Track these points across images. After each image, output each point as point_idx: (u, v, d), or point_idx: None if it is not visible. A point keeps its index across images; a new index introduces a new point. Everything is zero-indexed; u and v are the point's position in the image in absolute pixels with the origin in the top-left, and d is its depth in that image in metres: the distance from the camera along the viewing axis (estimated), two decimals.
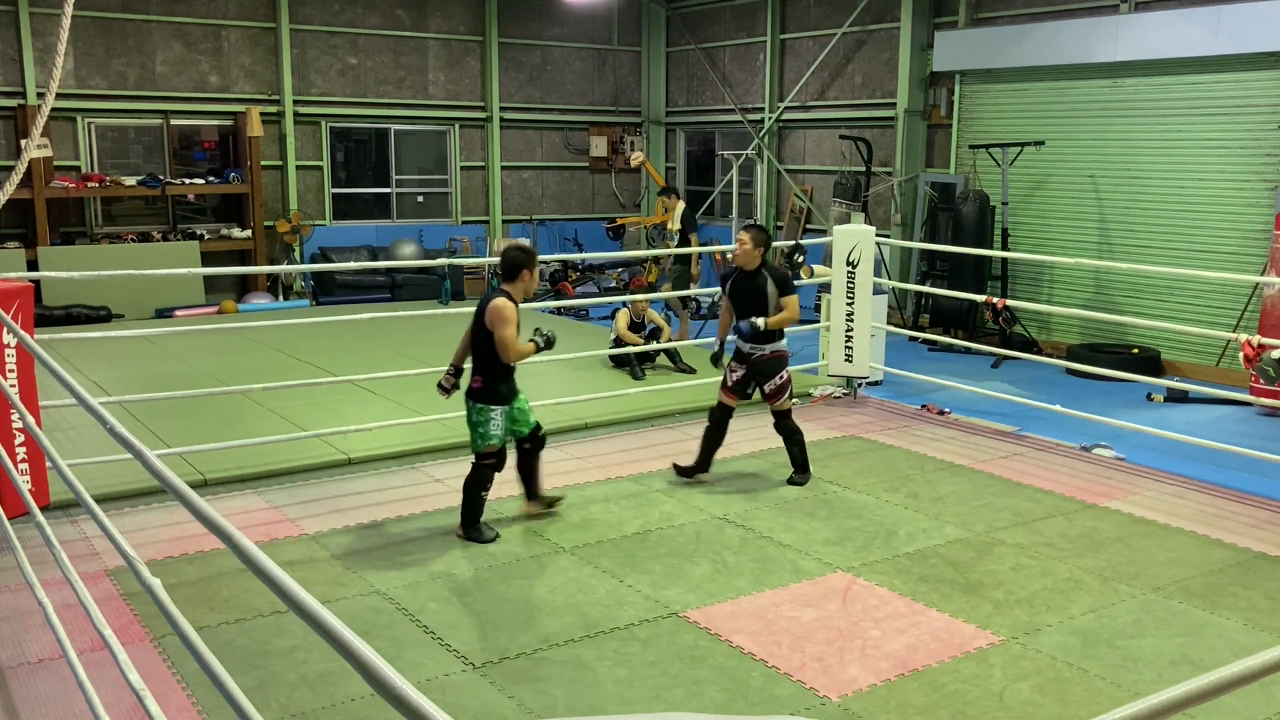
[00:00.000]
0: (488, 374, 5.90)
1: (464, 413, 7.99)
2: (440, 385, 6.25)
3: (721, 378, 7.13)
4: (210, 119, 14.54)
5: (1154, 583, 5.54)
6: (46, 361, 3.89)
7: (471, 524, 6.03)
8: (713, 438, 7.11)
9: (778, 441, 8.04)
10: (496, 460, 6.05)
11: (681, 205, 11.93)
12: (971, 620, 5.07)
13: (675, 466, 7.21)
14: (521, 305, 9.78)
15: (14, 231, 13.20)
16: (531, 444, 6.27)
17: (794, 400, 7.23)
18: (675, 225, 11.83)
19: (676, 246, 11.70)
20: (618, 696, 4.37)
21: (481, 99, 16.31)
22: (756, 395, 7.21)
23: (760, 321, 6.78)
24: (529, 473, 6.37)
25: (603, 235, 15.98)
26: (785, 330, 7.02)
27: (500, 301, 5.82)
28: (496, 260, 9.25)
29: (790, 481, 7.12)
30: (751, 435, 8.23)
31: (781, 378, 7.00)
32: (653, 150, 17.49)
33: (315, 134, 15.13)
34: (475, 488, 5.99)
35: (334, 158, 15.48)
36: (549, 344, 6.01)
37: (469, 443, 6.07)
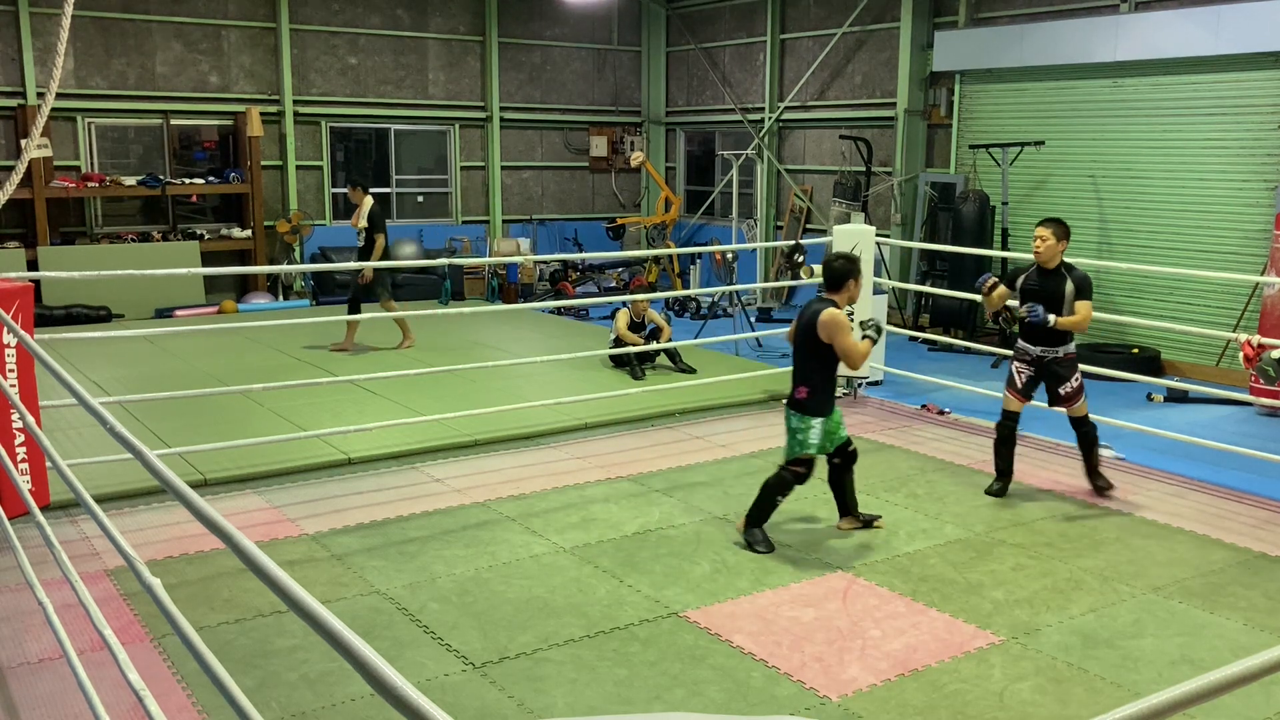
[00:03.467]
0: (814, 385, 5.83)
1: (466, 412, 8.00)
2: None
3: (1006, 382, 6.84)
4: (210, 119, 14.53)
5: (1154, 583, 5.54)
6: (46, 361, 3.89)
7: (757, 525, 5.96)
8: (1010, 448, 6.83)
9: (777, 441, 8.05)
10: (806, 469, 5.95)
11: (369, 201, 10.80)
12: (971, 620, 5.08)
13: (988, 493, 6.85)
14: (522, 306, 9.85)
15: (14, 231, 13.20)
16: (841, 459, 6.16)
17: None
18: (362, 223, 10.77)
19: (362, 245, 10.81)
20: (618, 696, 4.37)
21: (481, 99, 16.31)
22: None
23: (1052, 318, 6.41)
24: (841, 487, 6.25)
25: (603, 235, 16.00)
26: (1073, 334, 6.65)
27: (832, 311, 5.76)
28: (498, 260, 9.26)
29: (1099, 489, 6.80)
30: (752, 435, 8.24)
31: (1076, 380, 6.65)
32: (653, 150, 17.49)
33: (315, 134, 15.12)
34: (775, 491, 5.92)
35: (334, 158, 15.47)
36: (879, 332, 6.11)
37: (786, 450, 5.97)
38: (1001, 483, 6.90)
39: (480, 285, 15.35)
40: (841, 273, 5.87)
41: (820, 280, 10.04)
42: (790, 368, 6.03)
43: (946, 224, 12.32)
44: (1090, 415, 6.78)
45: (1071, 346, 6.66)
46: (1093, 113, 11.37)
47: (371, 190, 11.29)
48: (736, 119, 15.96)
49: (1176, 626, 5.05)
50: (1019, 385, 6.75)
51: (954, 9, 12.74)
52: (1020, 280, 6.68)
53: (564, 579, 5.54)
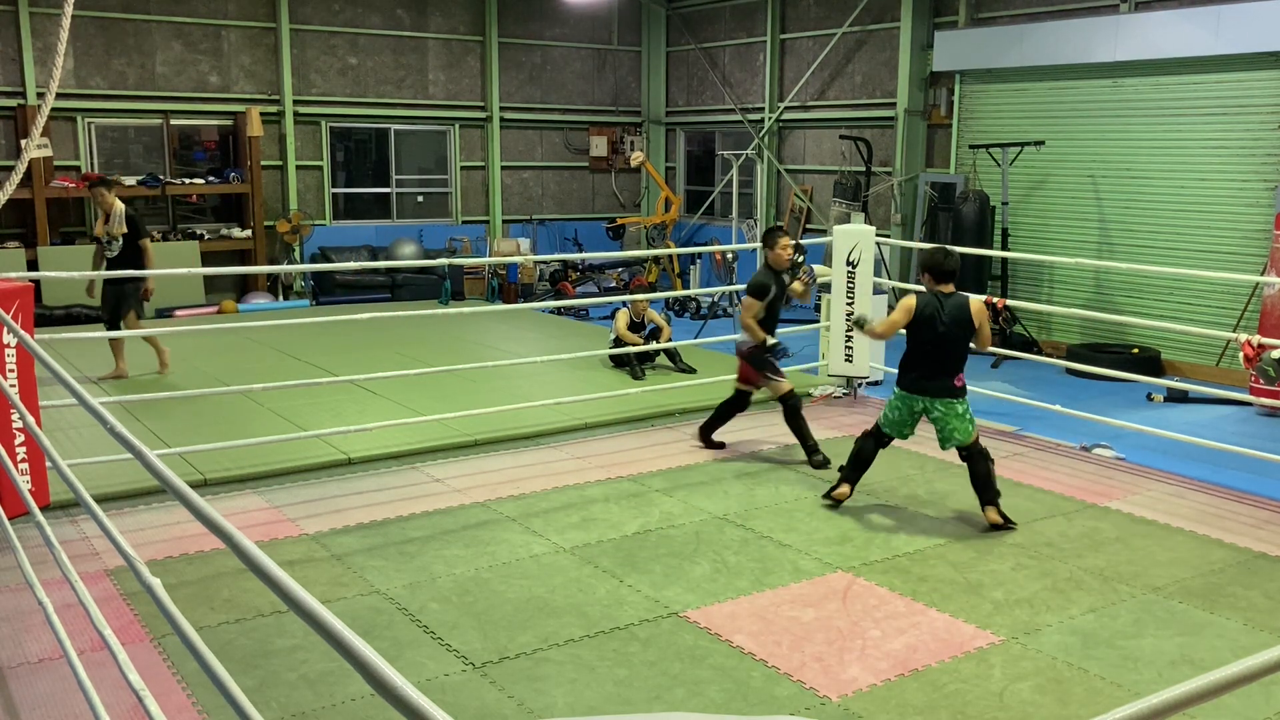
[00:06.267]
0: (964, 371, 6.31)
1: (466, 412, 7.98)
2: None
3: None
4: (210, 119, 14.54)
5: (1154, 583, 5.54)
6: (47, 361, 3.89)
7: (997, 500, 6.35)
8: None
9: (777, 441, 8.06)
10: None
11: (121, 206, 9.48)
12: (971, 620, 5.08)
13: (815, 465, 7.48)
14: (522, 306, 9.82)
15: (14, 231, 13.20)
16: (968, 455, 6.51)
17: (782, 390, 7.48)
18: (119, 229, 9.37)
19: (121, 253, 9.37)
20: (618, 696, 4.37)
21: (481, 99, 16.31)
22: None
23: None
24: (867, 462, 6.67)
25: (603, 235, 16.01)
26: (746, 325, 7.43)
27: (980, 299, 6.54)
28: (498, 260, 9.24)
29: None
30: (751, 435, 8.24)
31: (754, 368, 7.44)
32: (653, 150, 17.49)
33: (315, 134, 15.13)
34: (993, 466, 6.34)
35: (334, 158, 15.48)
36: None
37: (950, 438, 6.32)
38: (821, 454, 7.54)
39: (480, 285, 15.35)
40: (956, 266, 6.36)
41: (819, 280, 10.03)
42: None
43: (946, 224, 12.31)
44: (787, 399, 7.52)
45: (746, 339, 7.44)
46: (1093, 113, 11.37)
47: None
48: (736, 119, 15.96)
49: (1176, 626, 5.05)
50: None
51: (954, 9, 12.74)
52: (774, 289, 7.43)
53: (564, 579, 5.54)
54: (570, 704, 4.28)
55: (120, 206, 9.50)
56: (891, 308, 12.43)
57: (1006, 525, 6.28)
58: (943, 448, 6.43)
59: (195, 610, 5.07)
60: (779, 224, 7.77)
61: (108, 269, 9.22)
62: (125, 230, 9.45)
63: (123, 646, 3.68)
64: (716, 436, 7.88)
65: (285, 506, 6.58)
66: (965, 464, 6.41)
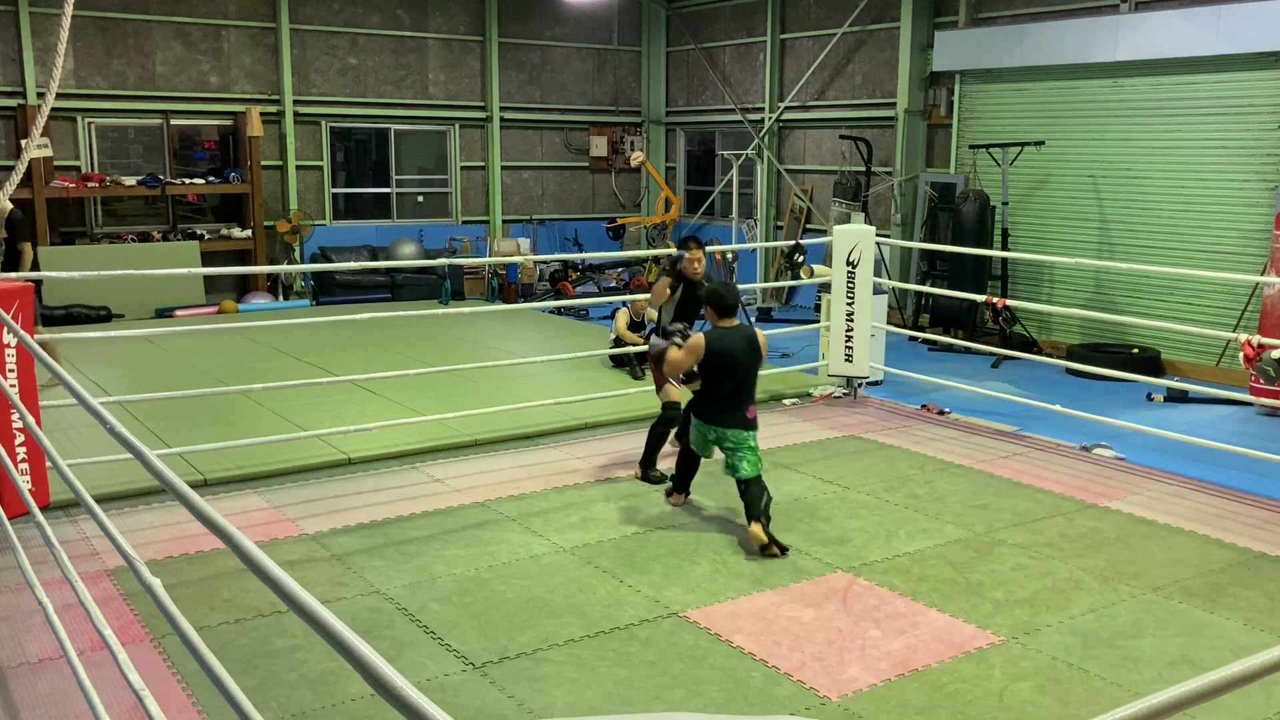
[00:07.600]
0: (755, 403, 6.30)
1: (466, 412, 8.00)
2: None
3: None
4: (210, 119, 14.53)
5: (1154, 583, 5.54)
6: (46, 361, 3.90)
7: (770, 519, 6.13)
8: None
9: (776, 441, 8.06)
10: None
11: (4, 209, 8.63)
12: (971, 620, 5.08)
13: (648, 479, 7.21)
14: (522, 306, 9.82)
15: None
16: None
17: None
18: (0, 232, 8.88)
19: (4, 257, 9.17)
20: (618, 696, 4.37)
21: (481, 99, 16.31)
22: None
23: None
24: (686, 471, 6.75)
25: (603, 235, 16.01)
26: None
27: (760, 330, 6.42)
28: (498, 260, 9.23)
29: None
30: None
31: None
32: (653, 150, 17.49)
33: (315, 134, 15.12)
34: (769, 497, 6.12)
35: (334, 158, 15.48)
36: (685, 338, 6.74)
37: (739, 469, 6.08)
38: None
39: (480, 285, 15.36)
40: (737, 300, 6.35)
41: (819, 280, 10.04)
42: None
43: (946, 224, 12.32)
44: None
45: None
46: (1093, 113, 11.37)
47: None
48: (736, 119, 15.96)
49: (1176, 626, 5.05)
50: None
51: (954, 9, 12.74)
52: (682, 290, 7.04)
53: (564, 579, 5.54)
54: (570, 704, 4.28)
55: (5, 208, 8.84)
56: (891, 308, 12.48)
57: (772, 548, 5.84)
58: (725, 473, 6.20)
59: (195, 610, 5.07)
60: (693, 235, 7.30)
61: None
62: (5, 234, 9.07)
63: (123, 646, 3.68)
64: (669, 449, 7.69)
65: (285, 506, 6.58)
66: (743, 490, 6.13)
